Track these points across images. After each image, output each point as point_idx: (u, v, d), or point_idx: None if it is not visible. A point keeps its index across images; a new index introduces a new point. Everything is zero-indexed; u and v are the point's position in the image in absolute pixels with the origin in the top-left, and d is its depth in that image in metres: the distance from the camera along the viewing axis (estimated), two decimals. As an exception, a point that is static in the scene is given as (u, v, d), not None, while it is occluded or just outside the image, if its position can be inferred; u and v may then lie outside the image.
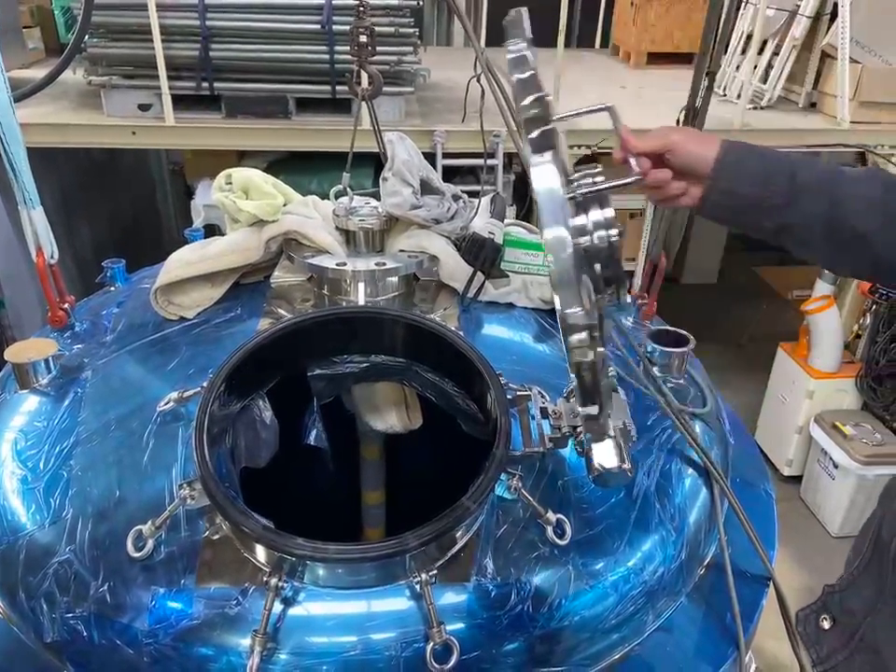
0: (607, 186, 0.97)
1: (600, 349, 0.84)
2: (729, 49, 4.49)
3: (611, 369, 1.21)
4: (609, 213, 0.99)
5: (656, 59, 5.37)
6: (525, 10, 1.09)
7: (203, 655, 1.06)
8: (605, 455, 0.94)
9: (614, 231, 0.99)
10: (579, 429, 1.17)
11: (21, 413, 1.41)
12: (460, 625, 1.09)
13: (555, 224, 0.81)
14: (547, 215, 0.81)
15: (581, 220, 0.99)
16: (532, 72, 0.88)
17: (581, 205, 1.00)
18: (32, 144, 1.63)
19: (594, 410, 0.90)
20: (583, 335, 0.82)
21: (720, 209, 1.08)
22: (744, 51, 4.42)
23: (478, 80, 1.81)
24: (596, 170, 1.00)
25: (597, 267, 1.00)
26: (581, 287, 0.82)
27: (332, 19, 3.40)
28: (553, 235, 0.81)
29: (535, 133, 0.83)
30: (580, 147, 3.71)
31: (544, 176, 0.82)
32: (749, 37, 4.23)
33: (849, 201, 0.99)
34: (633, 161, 1.03)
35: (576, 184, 0.99)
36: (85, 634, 1.09)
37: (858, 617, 1.02)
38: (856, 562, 1.04)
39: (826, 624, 1.08)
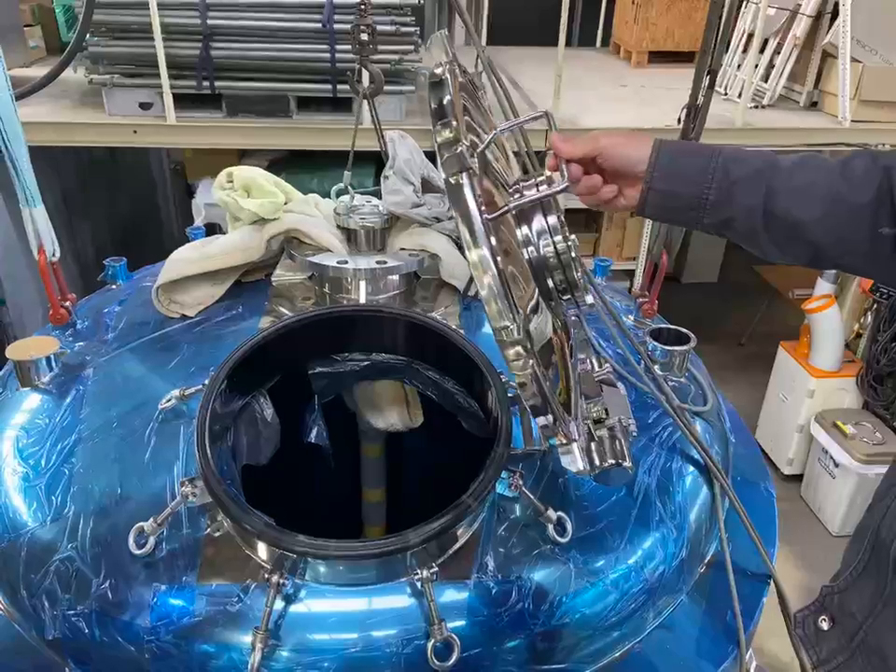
0: (535, 197, 0.98)
1: (532, 361, 0.84)
2: (730, 48, 4.49)
3: (607, 365, 1.21)
4: (552, 220, 1.00)
5: (657, 58, 5.36)
6: (444, 32, 1.10)
7: (204, 652, 1.06)
8: (570, 460, 0.94)
9: (559, 238, 0.99)
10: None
11: (23, 411, 1.41)
12: (461, 623, 1.09)
13: (475, 245, 0.81)
14: (466, 236, 0.82)
15: (523, 231, 1.00)
16: (448, 97, 0.89)
17: (524, 215, 1.01)
18: (33, 142, 1.63)
19: (548, 420, 0.90)
20: (518, 348, 0.82)
21: (659, 210, 1.08)
22: (745, 50, 4.42)
23: (479, 78, 1.81)
24: (541, 177, 1.01)
25: (553, 274, 1.01)
26: (511, 301, 0.82)
27: (333, 17, 3.40)
28: (473, 256, 0.82)
29: (445, 158, 0.83)
30: (581, 145, 3.70)
31: (460, 198, 0.82)
32: (751, 36, 4.23)
33: (786, 190, 0.99)
34: (563, 168, 1.03)
35: (518, 194, 1.00)
36: (86, 631, 1.09)
37: (858, 619, 1.01)
38: (854, 563, 1.03)
39: (825, 625, 1.07)
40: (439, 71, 0.93)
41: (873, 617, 0.99)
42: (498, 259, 0.82)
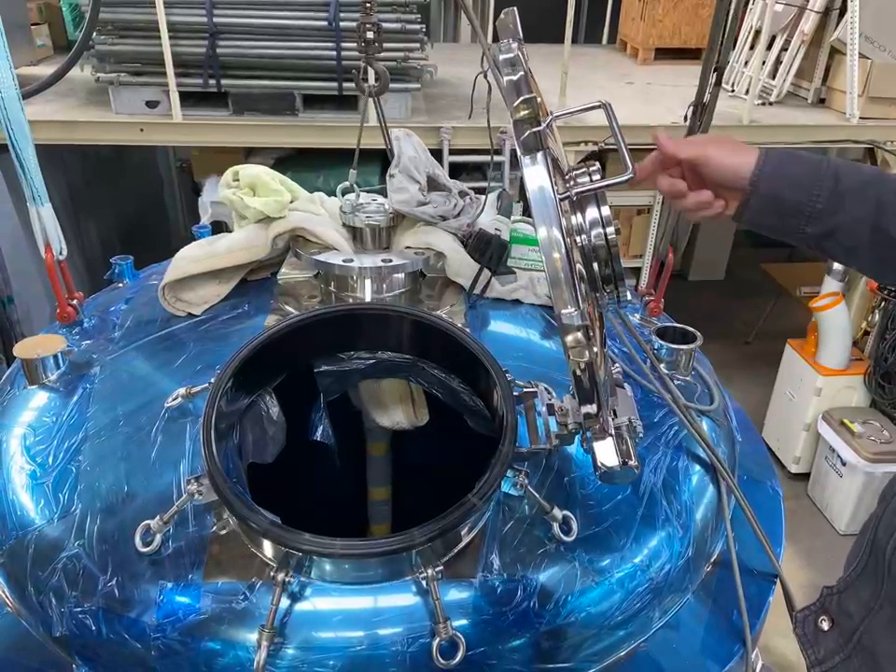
0: (601, 185, 0.96)
1: (596, 348, 0.84)
2: (737, 45, 4.47)
3: (617, 365, 1.21)
4: (606, 211, 0.99)
5: (664, 54, 5.34)
6: (514, 10, 1.08)
7: (210, 650, 1.07)
8: (606, 453, 0.94)
9: (611, 229, 0.98)
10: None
11: (30, 409, 1.42)
12: (466, 621, 1.09)
13: (547, 225, 0.81)
14: (539, 216, 0.81)
15: (577, 219, 0.99)
16: (522, 73, 0.88)
17: (578, 204, 1.00)
18: (40, 141, 1.63)
19: (592, 408, 0.90)
20: (579, 335, 0.82)
21: (762, 215, 1.04)
22: (752, 47, 4.40)
23: (485, 76, 1.80)
24: (594, 167, 0.99)
25: (596, 265, 1.00)
26: (577, 286, 0.82)
27: (339, 15, 3.40)
28: (546, 236, 0.81)
29: (526, 135, 0.82)
30: (587, 143, 3.70)
31: (536, 178, 0.82)
32: (758, 33, 4.21)
33: (894, 205, 0.95)
34: (627, 158, 1.01)
35: (572, 182, 0.98)
36: (93, 628, 1.10)
37: (855, 619, 1.00)
38: (854, 563, 1.02)
39: (825, 625, 1.06)
40: (509, 49, 0.91)
41: (869, 618, 0.98)
42: (568, 241, 0.81)
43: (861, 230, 0.97)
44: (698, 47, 5.16)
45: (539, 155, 0.82)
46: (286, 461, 1.44)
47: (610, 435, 0.94)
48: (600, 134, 3.65)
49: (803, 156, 1.03)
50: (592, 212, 0.99)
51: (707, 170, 1.02)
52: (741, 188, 1.02)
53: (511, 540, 1.16)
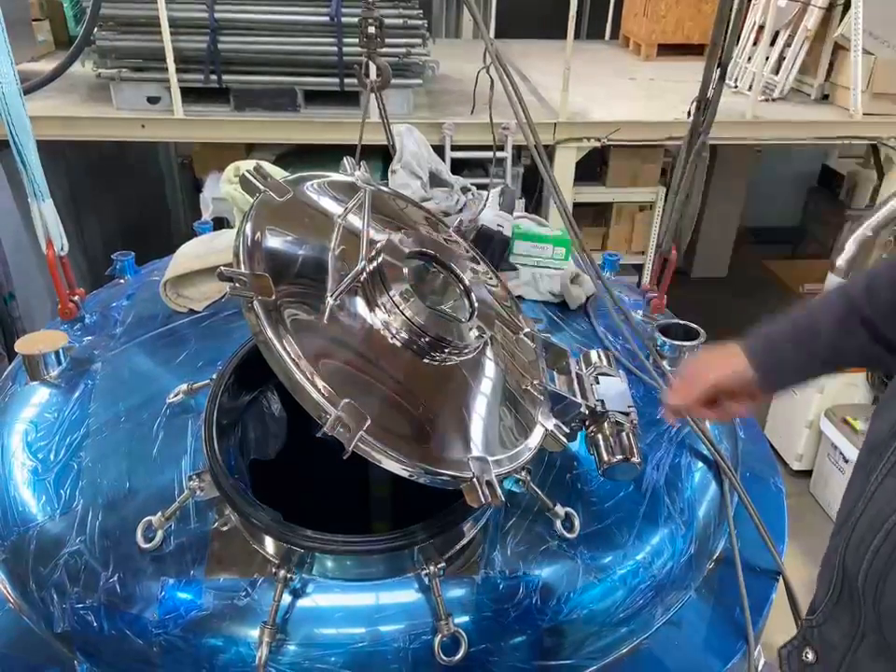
0: (330, 304, 1.05)
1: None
2: (741, 40, 4.46)
3: (598, 360, 1.22)
4: (389, 297, 1.06)
5: (667, 50, 5.32)
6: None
7: (212, 646, 1.06)
8: (473, 498, 0.97)
9: (405, 307, 1.07)
10: (588, 423, 1.17)
11: (32, 405, 1.41)
12: (468, 618, 1.09)
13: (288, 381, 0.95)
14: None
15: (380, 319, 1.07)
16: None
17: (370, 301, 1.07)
18: (41, 137, 1.63)
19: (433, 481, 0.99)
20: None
21: (788, 386, 1.19)
22: (756, 42, 4.38)
23: (487, 72, 1.80)
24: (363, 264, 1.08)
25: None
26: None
27: (340, 10, 3.39)
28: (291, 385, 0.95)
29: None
30: (589, 139, 3.69)
31: (254, 325, 0.97)
32: (761, 28, 4.19)
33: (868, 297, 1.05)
34: (672, 418, 1.18)
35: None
36: (95, 624, 1.10)
37: (840, 650, 0.99)
38: (828, 594, 1.02)
39: (811, 656, 1.06)
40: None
41: (853, 648, 0.97)
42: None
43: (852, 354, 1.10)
44: (701, 42, 5.14)
45: (255, 303, 0.96)
46: (287, 457, 1.44)
47: (474, 477, 0.98)
48: (602, 130, 3.64)
49: (778, 330, 1.17)
50: (382, 306, 1.07)
51: (723, 392, 1.13)
52: (750, 382, 1.12)
53: (514, 537, 1.16)
